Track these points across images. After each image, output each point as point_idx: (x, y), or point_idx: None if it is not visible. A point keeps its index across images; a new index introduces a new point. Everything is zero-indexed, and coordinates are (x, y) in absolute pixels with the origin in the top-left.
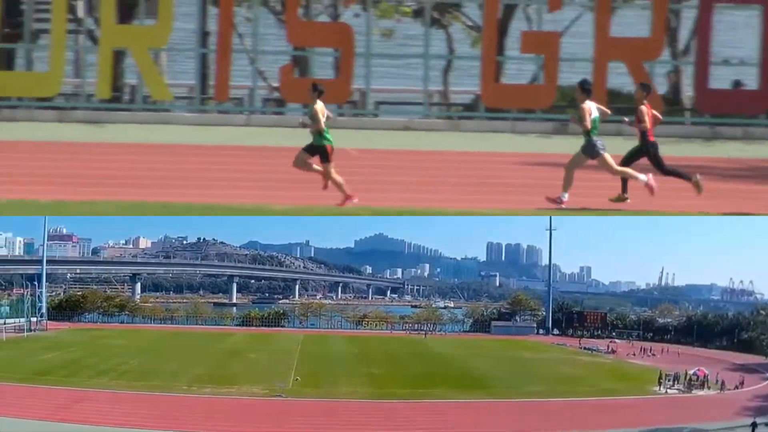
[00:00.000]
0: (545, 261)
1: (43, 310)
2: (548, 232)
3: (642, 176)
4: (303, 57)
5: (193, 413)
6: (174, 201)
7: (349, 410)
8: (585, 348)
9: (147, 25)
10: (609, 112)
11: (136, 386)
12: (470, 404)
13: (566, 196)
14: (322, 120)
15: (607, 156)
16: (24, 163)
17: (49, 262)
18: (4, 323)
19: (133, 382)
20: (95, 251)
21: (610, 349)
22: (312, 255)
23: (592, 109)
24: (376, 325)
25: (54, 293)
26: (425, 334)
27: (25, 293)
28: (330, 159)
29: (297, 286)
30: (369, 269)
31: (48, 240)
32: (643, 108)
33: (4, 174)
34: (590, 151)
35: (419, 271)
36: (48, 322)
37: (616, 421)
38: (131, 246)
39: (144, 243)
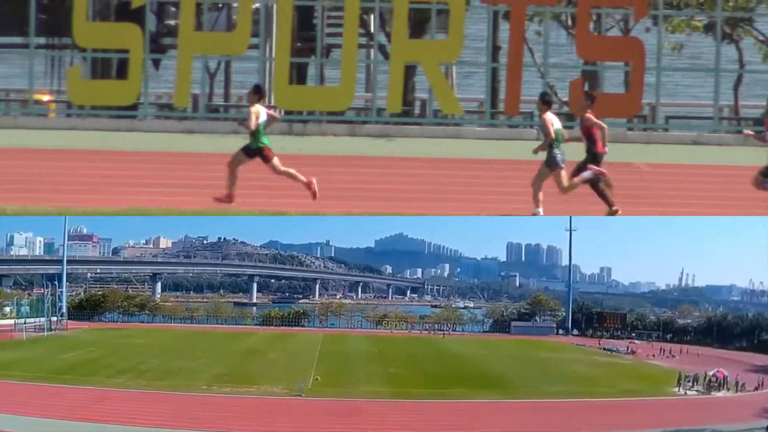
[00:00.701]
0: (565, 261)
1: (64, 310)
2: (568, 232)
3: (587, 174)
4: (593, 71)
5: (212, 413)
6: (469, 214)
7: (368, 410)
8: (604, 349)
9: (438, 39)
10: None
11: (156, 385)
12: (489, 404)
13: (540, 211)
14: (254, 122)
15: (563, 173)
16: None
17: (69, 261)
18: (24, 323)
19: (153, 381)
20: (116, 251)
21: (629, 350)
22: (332, 255)
23: (553, 120)
24: (396, 325)
25: (74, 293)
26: (444, 334)
27: (46, 293)
28: (271, 158)
29: (317, 286)
30: (389, 269)
31: (68, 240)
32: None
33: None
34: (552, 163)
35: (439, 271)
36: (68, 321)
37: (635, 422)
38: (152, 246)
39: (164, 243)
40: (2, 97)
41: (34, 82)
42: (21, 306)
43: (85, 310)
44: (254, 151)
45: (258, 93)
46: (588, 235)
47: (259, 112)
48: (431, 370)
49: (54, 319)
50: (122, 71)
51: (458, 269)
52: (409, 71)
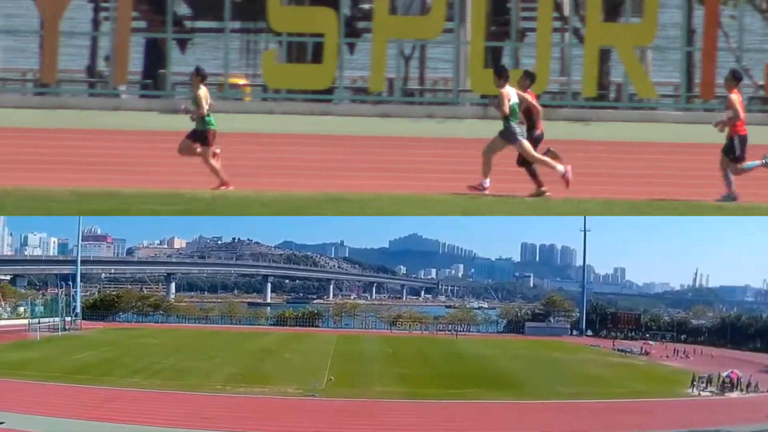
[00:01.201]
0: (579, 262)
1: (78, 310)
2: (582, 233)
3: (560, 167)
4: None
5: (226, 413)
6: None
7: (382, 410)
8: (618, 349)
9: (632, 23)
10: (528, 98)
11: (170, 385)
12: (503, 405)
13: (487, 182)
14: (205, 106)
15: (525, 143)
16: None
17: (83, 262)
18: (39, 323)
19: (167, 381)
20: (130, 251)
21: (643, 351)
22: (346, 255)
23: (511, 94)
24: (410, 325)
25: (88, 293)
26: (455, 334)
27: (60, 293)
28: (210, 143)
29: (331, 286)
30: (403, 269)
31: (82, 240)
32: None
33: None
34: (508, 136)
35: (453, 272)
36: (82, 321)
37: (649, 423)
38: (166, 246)
39: (179, 243)
40: None
41: (230, 67)
42: (35, 306)
43: (99, 310)
44: (200, 133)
45: (201, 75)
46: (602, 235)
47: (209, 96)
48: (445, 370)
49: (68, 319)
50: (317, 55)
51: (472, 269)
52: (604, 55)
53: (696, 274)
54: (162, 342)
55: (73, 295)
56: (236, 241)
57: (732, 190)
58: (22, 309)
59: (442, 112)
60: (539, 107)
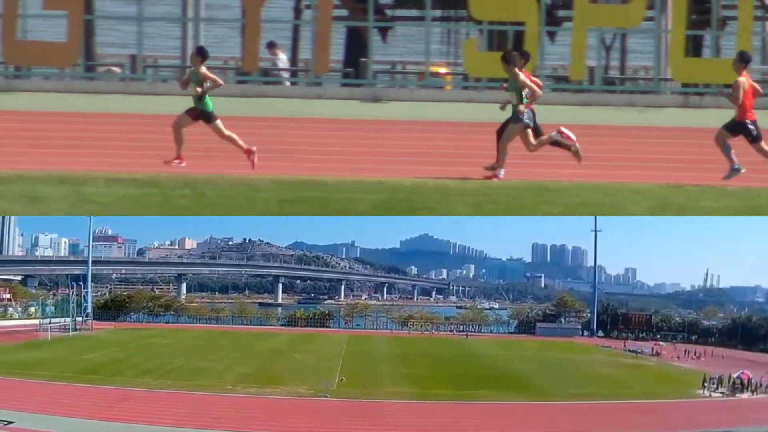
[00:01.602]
0: (590, 262)
1: (89, 310)
2: (593, 233)
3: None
4: None
5: (237, 413)
6: None
7: (393, 411)
8: (629, 350)
9: None
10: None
11: (181, 385)
12: (514, 406)
13: (502, 173)
14: (208, 83)
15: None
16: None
17: (94, 262)
18: (50, 323)
19: (178, 381)
20: (140, 252)
21: (654, 352)
22: (358, 255)
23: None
24: (421, 326)
25: (99, 293)
26: (467, 334)
27: (71, 293)
28: (213, 119)
29: (342, 287)
30: (414, 270)
31: (93, 241)
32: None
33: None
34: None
35: (464, 272)
36: (93, 321)
37: (660, 424)
38: (176, 247)
39: (189, 244)
40: (400, 70)
41: (431, 55)
42: (46, 306)
43: (110, 310)
44: (200, 113)
45: (202, 55)
46: (613, 235)
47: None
48: (456, 371)
49: (79, 319)
50: (518, 43)
51: (483, 270)
52: None
53: (707, 274)
54: (173, 342)
55: (84, 296)
56: (247, 241)
57: (733, 161)
58: (32, 309)
59: (643, 100)
60: (534, 87)
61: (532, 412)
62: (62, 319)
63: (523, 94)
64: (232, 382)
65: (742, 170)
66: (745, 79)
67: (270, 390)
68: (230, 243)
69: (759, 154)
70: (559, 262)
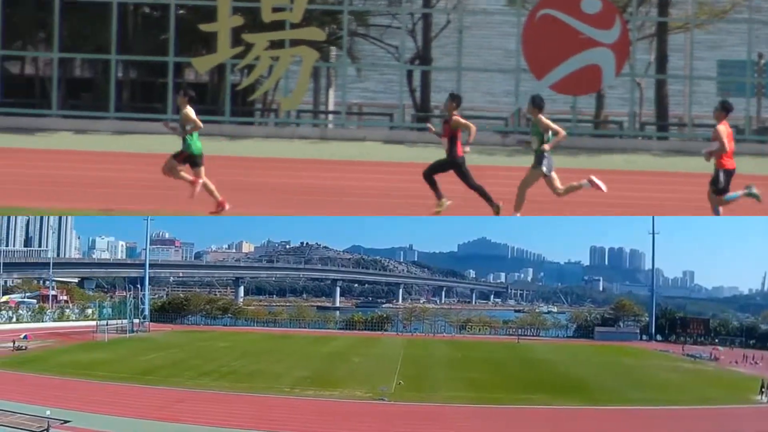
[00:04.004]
0: (648, 265)
1: (146, 312)
2: (651, 235)
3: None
4: None
5: (295, 415)
6: None
7: (451, 415)
8: (688, 355)
9: None
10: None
11: (239, 387)
12: (572, 411)
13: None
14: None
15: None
16: None
17: (151, 265)
18: (107, 324)
19: (236, 383)
20: (198, 255)
21: (712, 356)
22: (415, 259)
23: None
24: (479, 329)
25: (156, 296)
26: (518, 338)
27: (128, 295)
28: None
29: (400, 290)
30: (472, 273)
31: (150, 244)
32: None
33: None
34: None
35: (522, 275)
36: (150, 323)
37: (717, 430)
38: (234, 250)
39: (247, 247)
40: None
41: None
42: (103, 308)
43: (167, 312)
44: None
45: (188, 95)
46: (671, 237)
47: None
48: (514, 375)
49: (136, 321)
50: None
51: (541, 273)
52: None
53: (765, 277)
54: (230, 345)
55: (141, 298)
56: (305, 245)
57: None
58: (90, 311)
59: None
60: (471, 126)
61: (589, 418)
62: (119, 321)
63: (545, 138)
64: (290, 385)
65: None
66: (725, 128)
67: (328, 393)
68: (288, 246)
69: (709, 201)
70: (617, 265)
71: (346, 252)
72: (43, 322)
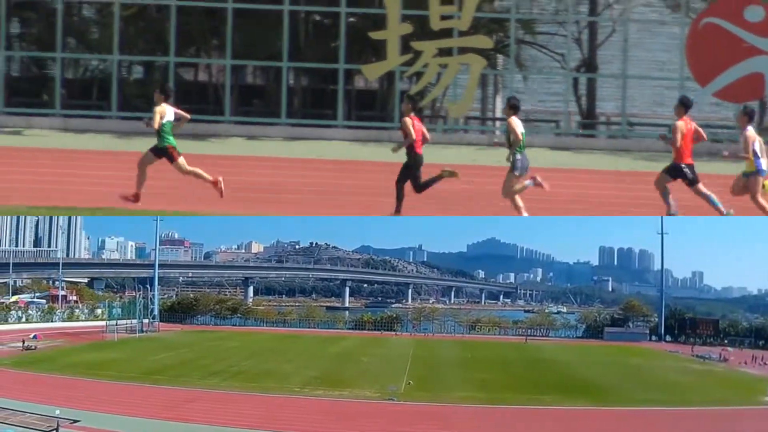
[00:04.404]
0: (657, 265)
1: (156, 312)
2: (659, 235)
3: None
4: None
5: (305, 415)
6: None
7: (460, 415)
8: (697, 356)
9: None
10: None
11: (248, 387)
12: (581, 411)
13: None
14: (158, 121)
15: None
16: None
17: (161, 265)
18: (116, 324)
19: (246, 383)
20: (207, 255)
21: (722, 357)
22: (425, 259)
23: (519, 124)
24: (489, 330)
25: (166, 296)
26: (526, 339)
27: (137, 296)
28: (175, 158)
29: (410, 291)
30: (482, 273)
31: (160, 245)
32: (408, 120)
33: None
34: (515, 167)
35: (532, 276)
36: (160, 323)
37: (727, 431)
38: (243, 250)
39: (256, 247)
40: None
41: None
42: (112, 308)
43: (176, 312)
44: (160, 150)
45: (164, 93)
46: (679, 237)
47: (165, 112)
48: (523, 376)
49: (146, 321)
50: None
51: (551, 273)
52: None
53: None
54: (240, 345)
55: (150, 298)
56: (314, 245)
57: (670, 206)
58: (99, 311)
59: None
60: (413, 133)
61: (599, 418)
62: (129, 321)
63: (511, 138)
64: (299, 385)
65: (677, 213)
66: (683, 123)
67: (337, 393)
68: (297, 247)
69: (697, 196)
70: (626, 266)
71: (355, 252)
72: (52, 322)
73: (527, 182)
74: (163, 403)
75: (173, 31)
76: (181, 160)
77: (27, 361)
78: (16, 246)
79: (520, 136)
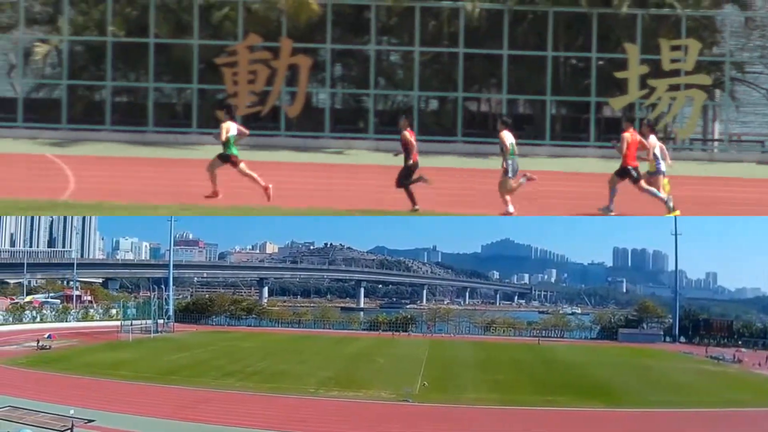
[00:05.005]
0: (671, 266)
1: (170, 313)
2: (673, 236)
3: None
4: None
5: (320, 416)
6: None
7: (474, 416)
8: (711, 357)
9: None
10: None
11: (264, 388)
12: (595, 413)
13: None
14: (224, 134)
15: (511, 180)
16: None
17: (175, 266)
18: (131, 325)
19: (260, 384)
20: (222, 256)
21: (736, 359)
22: (439, 260)
23: (508, 137)
24: (503, 331)
25: (181, 296)
26: (539, 340)
27: (152, 296)
28: (236, 164)
29: (424, 291)
30: (496, 274)
31: (174, 245)
32: (407, 134)
33: None
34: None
35: (546, 277)
36: (175, 324)
37: None
38: (258, 251)
39: (271, 248)
40: None
41: None
42: (127, 308)
43: (191, 313)
44: (225, 157)
45: (229, 113)
46: (693, 238)
47: (230, 128)
48: (538, 377)
49: (160, 321)
50: None
51: (565, 274)
52: None
53: None
54: (255, 345)
55: (165, 298)
56: (329, 246)
57: (611, 203)
58: (114, 311)
59: None
60: (413, 143)
61: (612, 420)
62: (143, 322)
63: (503, 149)
64: (314, 386)
65: (612, 212)
66: (629, 134)
67: (352, 394)
68: (312, 247)
69: (641, 192)
70: (641, 267)
71: (370, 253)
72: (67, 322)
73: (521, 180)
74: (177, 403)
75: (461, 73)
76: (242, 165)
77: (42, 361)
78: (31, 246)
79: (509, 146)
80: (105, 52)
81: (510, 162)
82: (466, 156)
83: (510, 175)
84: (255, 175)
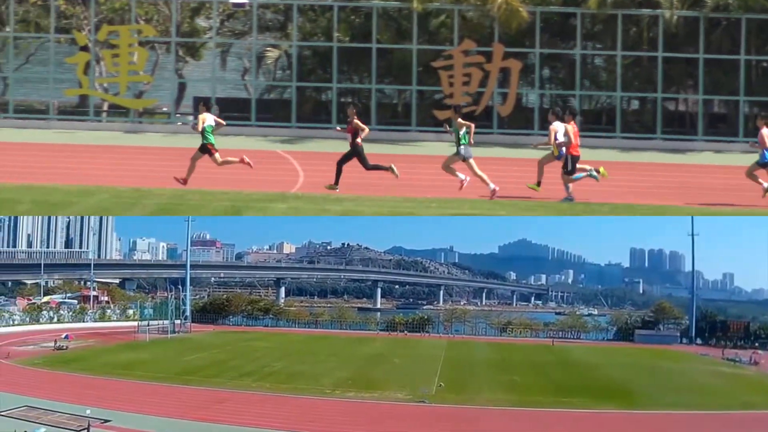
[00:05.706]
0: (688, 267)
1: (187, 313)
2: (690, 237)
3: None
4: None
5: (336, 416)
6: None
7: (491, 417)
8: (728, 359)
9: None
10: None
11: (280, 388)
12: (611, 414)
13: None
14: (200, 125)
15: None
16: None
17: (192, 266)
18: (148, 325)
19: (277, 384)
20: (239, 256)
21: (752, 360)
22: (456, 260)
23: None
24: (520, 332)
25: (198, 296)
26: (552, 341)
27: (169, 296)
28: (212, 152)
29: (441, 292)
30: (513, 275)
31: (191, 245)
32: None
33: None
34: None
35: (563, 277)
36: (192, 324)
37: None
38: (275, 251)
39: (288, 248)
40: None
41: None
42: (144, 309)
43: (208, 313)
44: (203, 147)
45: (205, 105)
46: (710, 239)
47: (206, 118)
48: (555, 378)
49: (177, 321)
50: None
51: (582, 275)
52: None
53: None
54: (272, 346)
55: (182, 299)
56: (346, 246)
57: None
58: (131, 312)
59: None
60: (365, 127)
61: (628, 421)
62: (161, 322)
63: (461, 133)
64: (330, 387)
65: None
66: (571, 126)
67: (368, 395)
68: (329, 247)
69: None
70: (657, 267)
71: (386, 253)
72: (84, 322)
73: (461, 175)
74: (194, 403)
75: (660, 75)
76: (217, 155)
77: (58, 361)
78: (48, 247)
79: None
80: (331, 56)
81: (462, 147)
82: (665, 152)
83: (460, 157)
84: (234, 159)
